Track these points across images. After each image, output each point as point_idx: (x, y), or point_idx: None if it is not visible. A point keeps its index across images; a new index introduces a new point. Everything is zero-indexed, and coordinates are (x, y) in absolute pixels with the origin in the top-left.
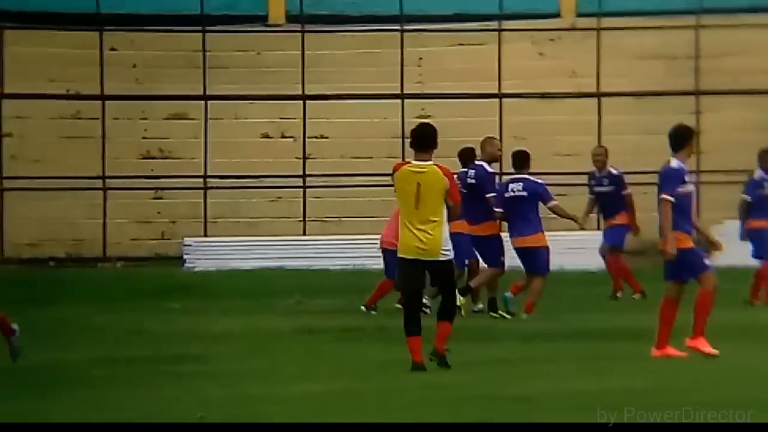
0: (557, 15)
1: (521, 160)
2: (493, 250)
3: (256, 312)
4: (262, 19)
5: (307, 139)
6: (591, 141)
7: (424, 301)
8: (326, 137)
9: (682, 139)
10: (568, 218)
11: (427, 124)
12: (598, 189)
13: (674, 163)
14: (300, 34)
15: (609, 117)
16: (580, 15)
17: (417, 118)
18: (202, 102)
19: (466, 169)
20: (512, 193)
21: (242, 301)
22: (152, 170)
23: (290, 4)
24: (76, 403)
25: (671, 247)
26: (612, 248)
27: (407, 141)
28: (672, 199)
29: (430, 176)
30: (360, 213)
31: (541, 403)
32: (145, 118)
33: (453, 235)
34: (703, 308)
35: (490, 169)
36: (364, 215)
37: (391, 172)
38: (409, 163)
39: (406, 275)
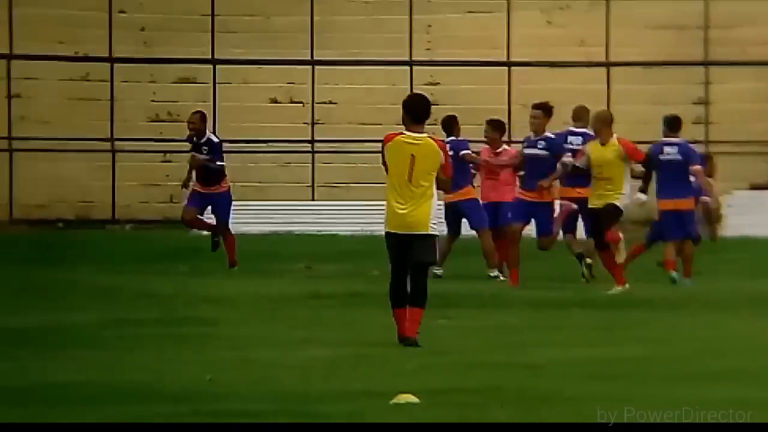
0: None
1: (674, 124)
2: (549, 216)
3: (264, 276)
4: None
5: (315, 105)
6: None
7: (436, 271)
8: (335, 103)
9: None
10: (704, 182)
11: (420, 94)
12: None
13: None
14: None
15: (617, 86)
16: None
17: (426, 85)
18: (211, 66)
19: (535, 138)
20: (667, 156)
21: (250, 266)
22: (161, 133)
23: None
24: (86, 364)
25: None
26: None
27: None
28: None
29: (425, 149)
30: (368, 179)
31: (548, 371)
32: (154, 81)
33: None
34: None
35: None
36: (372, 181)
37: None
38: (402, 133)
39: (393, 249)
